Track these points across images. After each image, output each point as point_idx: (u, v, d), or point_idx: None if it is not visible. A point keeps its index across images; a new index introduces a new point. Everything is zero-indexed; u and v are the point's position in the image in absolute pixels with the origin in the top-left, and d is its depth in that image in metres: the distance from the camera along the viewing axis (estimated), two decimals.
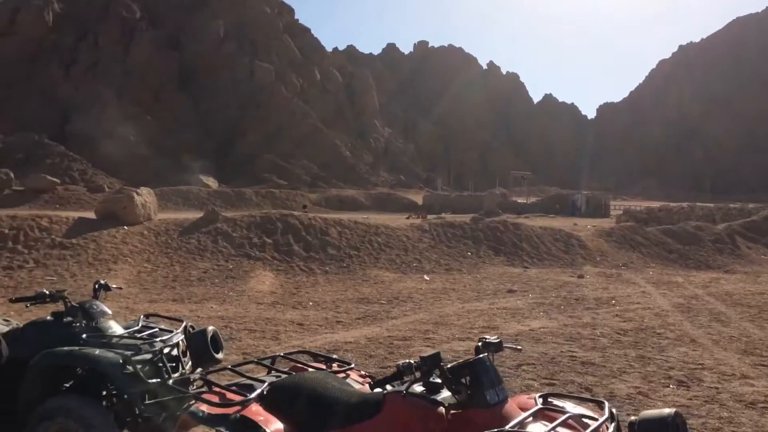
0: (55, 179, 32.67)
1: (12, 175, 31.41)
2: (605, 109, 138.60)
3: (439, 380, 2.73)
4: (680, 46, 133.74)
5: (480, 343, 2.95)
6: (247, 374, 3.37)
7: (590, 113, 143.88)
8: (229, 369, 3.54)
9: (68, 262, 13.31)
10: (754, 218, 27.90)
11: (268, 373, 3.49)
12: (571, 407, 2.81)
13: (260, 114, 70.92)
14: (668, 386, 6.71)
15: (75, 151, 53.89)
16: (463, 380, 2.61)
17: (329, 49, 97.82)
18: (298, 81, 78.61)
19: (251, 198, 37.57)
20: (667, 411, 2.53)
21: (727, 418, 5.78)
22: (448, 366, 2.67)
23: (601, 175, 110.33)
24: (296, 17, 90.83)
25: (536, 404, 2.78)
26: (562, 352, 7.98)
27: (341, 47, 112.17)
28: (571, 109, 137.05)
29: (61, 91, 66.96)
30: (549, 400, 2.89)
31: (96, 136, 57.46)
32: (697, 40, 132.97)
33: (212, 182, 48.20)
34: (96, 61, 69.87)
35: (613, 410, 2.77)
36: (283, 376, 3.35)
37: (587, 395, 6.33)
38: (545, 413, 2.74)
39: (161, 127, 63.51)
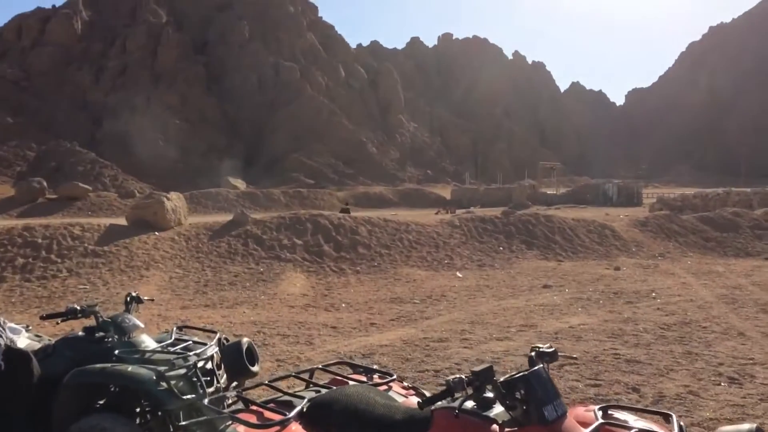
0: (86, 186, 33.16)
1: (45, 183, 31.94)
2: (634, 95, 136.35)
3: (491, 395, 2.55)
4: (710, 28, 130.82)
5: (533, 353, 2.74)
6: (285, 389, 3.24)
7: (619, 100, 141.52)
8: (266, 384, 3.40)
9: (101, 270, 13.38)
10: None
11: (307, 387, 3.36)
12: (635, 421, 2.60)
13: (286, 113, 71.22)
14: (719, 384, 6.41)
15: (106, 157, 54.76)
16: (518, 395, 2.43)
17: (353, 45, 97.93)
18: (323, 79, 78.76)
19: (279, 198, 37.68)
20: (747, 427, 2.32)
21: None
22: (501, 380, 2.49)
23: (632, 163, 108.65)
24: (320, 15, 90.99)
25: (597, 418, 2.58)
26: (604, 350, 7.70)
27: (365, 43, 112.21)
28: (599, 97, 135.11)
29: (91, 98, 68.10)
30: (609, 412, 2.68)
31: (126, 142, 58.30)
32: (728, 20, 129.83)
33: (240, 184, 48.50)
34: (124, 67, 70.86)
35: (682, 424, 2.56)
36: (323, 390, 3.20)
37: (635, 396, 6.09)
38: (607, 429, 2.53)
39: (189, 130, 64.15)
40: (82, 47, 72.01)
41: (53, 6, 77.90)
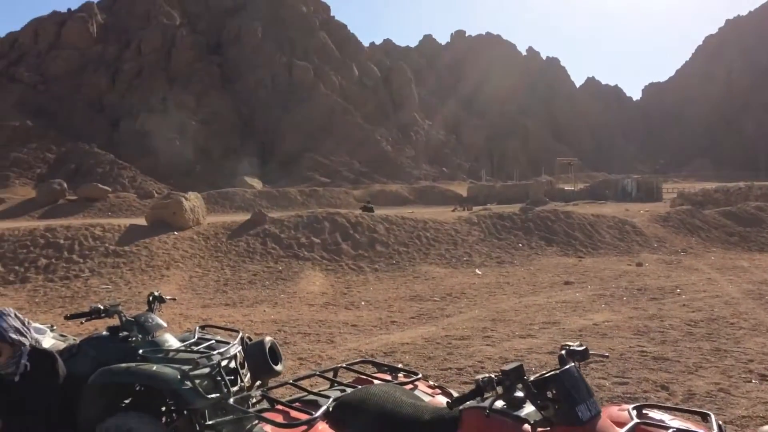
0: (106, 187, 33.43)
1: (65, 185, 32.25)
2: (651, 90, 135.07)
3: (521, 394, 2.47)
4: (727, 21, 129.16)
5: (563, 352, 2.65)
6: (309, 389, 3.18)
7: (635, 95, 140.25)
8: (291, 384, 3.34)
9: (122, 269, 13.44)
10: None
11: (331, 386, 3.30)
12: (671, 420, 2.50)
13: (300, 112, 71.33)
14: (750, 381, 6.27)
15: (124, 159, 55.19)
16: (550, 394, 2.35)
17: (366, 44, 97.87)
18: (336, 78, 78.77)
19: (296, 197, 37.74)
20: None
21: None
22: (532, 379, 2.40)
23: (649, 158, 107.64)
24: (332, 14, 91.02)
25: (631, 418, 2.48)
26: (631, 347, 7.57)
27: (378, 41, 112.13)
28: (615, 92, 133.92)
29: (107, 100, 68.70)
30: (644, 412, 2.58)
31: (143, 143, 58.73)
32: (744, 13, 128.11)
33: (257, 183, 48.68)
34: (140, 69, 71.39)
35: (721, 423, 2.46)
36: (348, 389, 3.14)
37: (664, 395, 5.97)
38: (643, 429, 2.44)
39: (205, 130, 64.47)
40: (98, 50, 72.64)
41: (69, 10, 78.70)
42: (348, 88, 79.24)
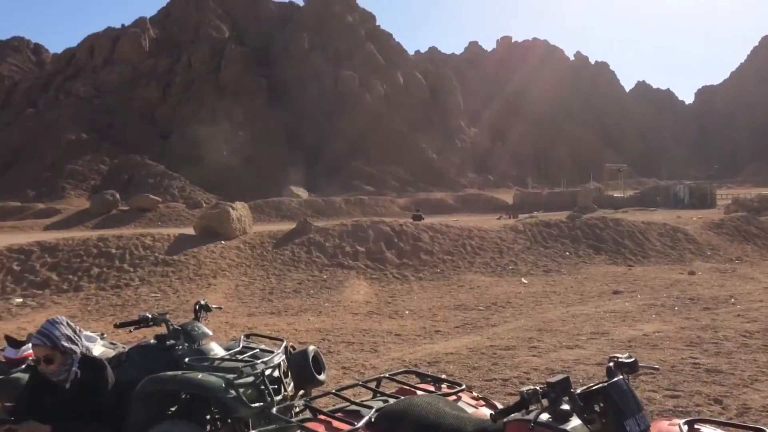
0: (156, 198, 34.35)
1: (118, 195, 33.28)
2: (705, 93, 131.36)
3: (567, 407, 2.42)
4: None
5: (611, 364, 2.58)
6: (352, 399, 3.18)
7: (688, 98, 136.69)
8: (333, 393, 3.35)
9: (171, 278, 13.74)
10: None
11: (374, 396, 3.29)
12: None
13: (346, 121, 71.96)
14: None
15: (174, 169, 56.61)
16: (597, 407, 2.29)
17: (411, 52, 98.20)
18: (382, 87, 79.22)
19: (341, 206, 38.00)
20: None
21: None
22: (578, 391, 2.35)
23: (702, 164, 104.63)
24: (377, 23, 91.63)
25: None
26: (683, 359, 7.34)
27: (423, 49, 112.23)
28: (667, 95, 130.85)
29: (159, 113, 70.65)
30: (696, 427, 2.50)
31: (192, 154, 60.10)
32: None
33: (303, 192, 49.23)
34: (190, 82, 73.21)
35: None
36: (390, 400, 3.13)
37: (717, 408, 5.77)
38: None
39: (253, 141, 65.62)
40: (150, 63, 74.83)
41: (123, 25, 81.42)
42: (393, 97, 79.57)
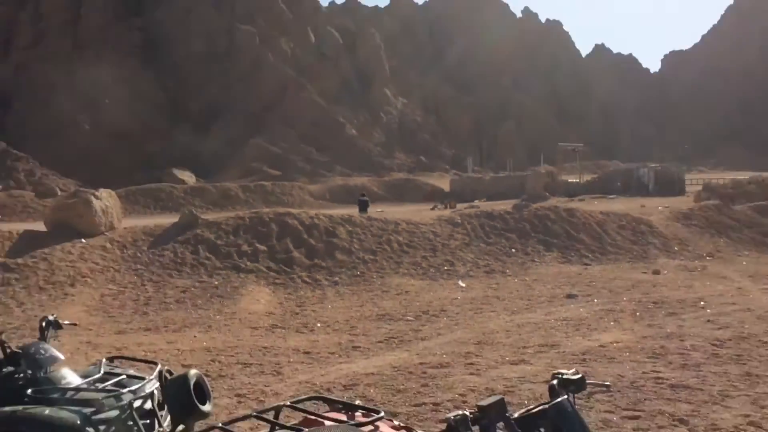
0: None
1: None
2: (672, 60, 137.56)
3: None
4: None
5: (554, 381, 2.69)
6: None
7: (653, 66, 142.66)
8: (221, 428, 3.31)
9: (14, 287, 13.26)
10: None
11: (272, 429, 3.29)
12: None
13: (244, 89, 70.98)
14: None
15: (19, 148, 54.27)
16: None
17: (325, 3, 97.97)
18: (288, 46, 78.59)
19: (237, 194, 37.63)
20: None
21: None
22: (516, 415, 2.43)
23: (670, 143, 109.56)
24: None
25: None
26: (644, 373, 7.71)
27: (339, 1, 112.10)
28: (629, 62, 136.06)
29: None
30: None
31: (44, 128, 57.80)
32: None
33: (188, 177, 48.43)
34: (40, 36, 70.27)
35: None
36: None
37: (682, 430, 6.08)
38: None
39: (123, 111, 63.73)
40: None
41: None
42: (303, 59, 79.10)
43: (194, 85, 71.23)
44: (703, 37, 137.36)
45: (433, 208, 32.32)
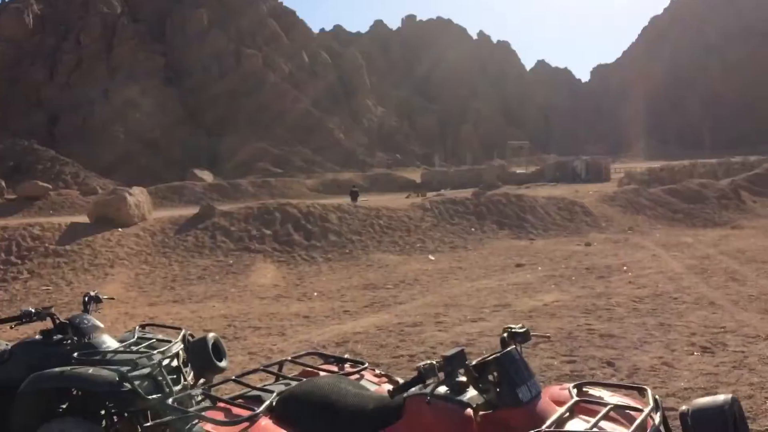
0: (47, 185, 32.34)
1: (3, 183, 31.09)
2: (599, 71, 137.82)
3: (464, 379, 2.49)
4: (672, 2, 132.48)
5: (505, 334, 2.69)
6: (254, 384, 3.14)
7: (584, 77, 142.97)
8: (233, 380, 3.29)
9: (63, 270, 13.09)
10: (757, 171, 27.70)
11: (276, 380, 3.27)
12: (610, 397, 2.56)
13: (250, 102, 70.35)
14: (692, 354, 6.49)
15: (66, 155, 53.46)
16: (491, 377, 2.37)
17: (315, 30, 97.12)
18: (286, 66, 77.92)
19: (247, 189, 37.30)
20: (723, 398, 2.29)
21: (758, 383, 5.55)
22: (473, 363, 2.42)
23: (599, 139, 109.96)
24: (280, 0, 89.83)
25: (572, 396, 2.53)
26: (578, 325, 7.76)
27: (328, 27, 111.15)
28: (565, 74, 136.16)
29: (46, 94, 66.41)
30: (584, 389, 2.64)
31: (85, 138, 57.05)
32: None
33: (207, 176, 47.87)
34: (79, 61, 69.17)
35: (657, 397, 2.54)
36: (293, 383, 3.11)
37: (610, 371, 6.13)
38: (583, 406, 2.49)
39: (153, 123, 62.96)
40: (35, 42, 70.04)
41: (2, 1, 75.57)
42: (298, 76, 78.48)
43: (208, 100, 70.49)
44: (624, 52, 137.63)
45: (407, 197, 32.29)
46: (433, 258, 14.71)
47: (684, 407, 2.34)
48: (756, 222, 19.76)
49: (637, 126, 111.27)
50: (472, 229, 17.60)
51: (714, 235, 16.77)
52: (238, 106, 70.37)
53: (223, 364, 4.35)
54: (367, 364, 3.39)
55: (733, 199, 22.30)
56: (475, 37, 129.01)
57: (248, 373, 3.49)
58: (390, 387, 3.10)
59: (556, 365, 6.30)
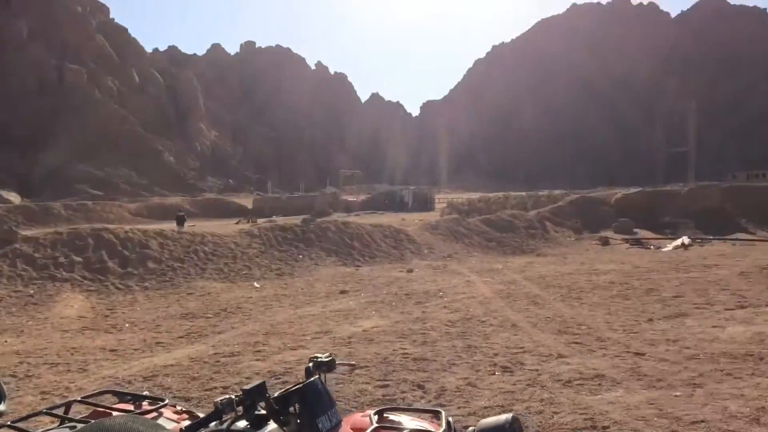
0: None
1: None
2: (428, 107, 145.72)
3: (264, 412, 2.37)
4: (493, 46, 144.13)
5: (310, 364, 2.62)
6: (33, 430, 2.75)
7: (415, 111, 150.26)
8: (9, 426, 2.87)
9: None
10: (560, 204, 30.56)
11: (61, 424, 2.89)
12: (409, 421, 2.59)
13: (71, 119, 65.24)
14: (494, 374, 6.84)
15: None
16: (293, 409, 2.28)
17: (149, 49, 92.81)
18: (113, 83, 73.44)
19: (60, 212, 34.23)
20: (504, 417, 2.40)
21: (547, 399, 5.96)
22: (275, 395, 2.31)
23: (427, 170, 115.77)
24: (111, 16, 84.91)
25: (371, 423, 2.52)
26: (394, 350, 7.89)
27: (162, 47, 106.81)
28: (397, 107, 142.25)
29: None
30: (385, 415, 2.64)
31: None
32: (507, 40, 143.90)
33: (14, 197, 43.37)
34: None
35: (450, 419, 2.60)
36: (79, 426, 2.77)
37: (419, 393, 6.27)
38: None
39: None
40: None
41: None
42: (127, 95, 74.28)
43: (23, 115, 64.32)
44: (451, 90, 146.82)
45: (237, 223, 31.54)
46: (258, 285, 14.34)
47: (471, 428, 2.42)
48: (557, 250, 21.69)
49: (460, 159, 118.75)
50: (300, 256, 17.47)
51: (521, 262, 18.09)
52: (58, 124, 64.98)
53: (1, 407, 3.82)
54: (167, 401, 3.12)
55: (539, 229, 24.35)
56: (313, 67, 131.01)
57: (29, 416, 3.07)
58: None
59: (369, 390, 6.32)
